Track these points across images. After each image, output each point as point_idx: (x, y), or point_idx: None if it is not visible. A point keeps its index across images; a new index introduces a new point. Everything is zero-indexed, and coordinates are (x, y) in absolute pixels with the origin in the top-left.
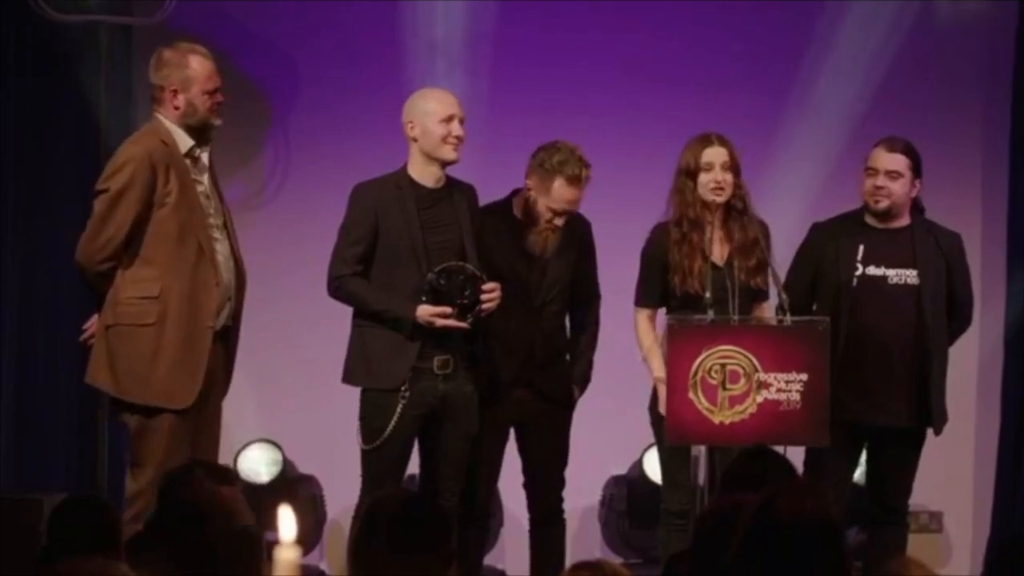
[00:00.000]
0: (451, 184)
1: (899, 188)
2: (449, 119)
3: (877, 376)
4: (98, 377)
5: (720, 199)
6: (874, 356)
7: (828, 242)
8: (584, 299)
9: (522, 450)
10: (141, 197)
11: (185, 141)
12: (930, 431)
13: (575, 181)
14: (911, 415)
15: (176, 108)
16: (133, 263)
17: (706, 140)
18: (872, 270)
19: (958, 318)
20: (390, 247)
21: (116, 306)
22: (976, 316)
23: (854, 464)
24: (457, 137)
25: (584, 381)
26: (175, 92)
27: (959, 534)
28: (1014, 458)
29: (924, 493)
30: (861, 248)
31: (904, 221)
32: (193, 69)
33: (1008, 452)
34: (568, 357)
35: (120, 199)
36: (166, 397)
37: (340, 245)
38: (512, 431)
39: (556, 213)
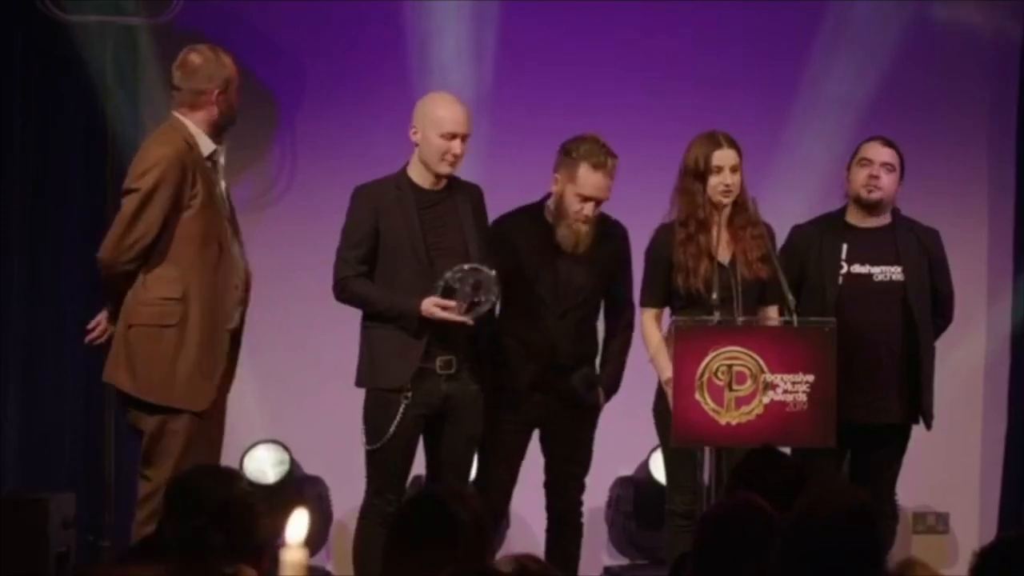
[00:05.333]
0: (452, 185)
1: (891, 182)
2: (452, 136)
3: (866, 375)
4: (117, 377)
5: (729, 200)
6: (863, 354)
7: (811, 243)
8: (617, 307)
9: (544, 451)
10: (171, 197)
11: (207, 144)
12: (917, 428)
13: (600, 167)
14: (901, 412)
15: (219, 110)
16: (157, 263)
17: (715, 141)
18: (857, 268)
19: (941, 315)
20: (392, 248)
21: (138, 306)
22: (982, 316)
23: (840, 463)
24: (455, 155)
25: (611, 387)
26: (219, 93)
27: (965, 535)
28: (1021, 459)
29: (930, 494)
30: (844, 247)
31: (885, 219)
32: (230, 69)
33: (1015, 453)
34: (598, 362)
35: (150, 199)
36: (186, 399)
37: (342, 248)
38: (536, 432)
39: (584, 199)
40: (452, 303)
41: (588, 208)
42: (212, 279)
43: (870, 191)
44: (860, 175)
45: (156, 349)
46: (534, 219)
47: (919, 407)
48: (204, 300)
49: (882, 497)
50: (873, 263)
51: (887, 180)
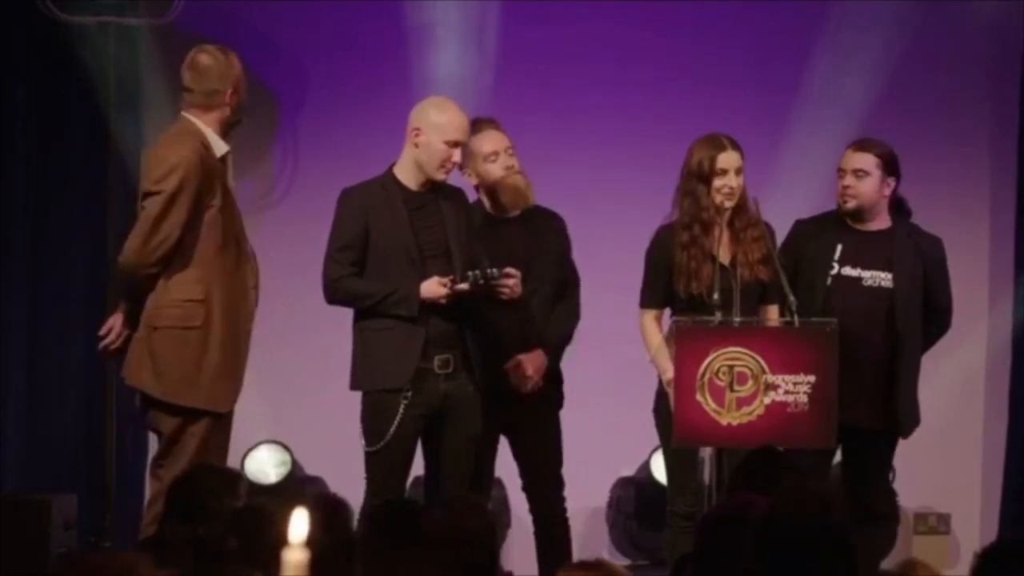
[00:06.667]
0: (437, 187)
1: (867, 187)
2: (455, 144)
3: (847, 377)
4: (141, 379)
5: (732, 203)
6: (844, 357)
7: (808, 240)
8: (564, 291)
9: (516, 456)
10: (193, 199)
11: (220, 145)
12: (919, 429)
13: (480, 128)
14: (878, 418)
15: (230, 109)
16: (179, 265)
17: (719, 144)
18: (848, 270)
19: (936, 324)
20: (383, 249)
21: (162, 308)
22: (984, 317)
23: (829, 463)
24: (454, 163)
25: (553, 344)
26: (230, 94)
27: (967, 536)
28: (1022, 460)
29: (932, 495)
30: (839, 248)
31: (884, 223)
32: (237, 69)
33: (1016, 454)
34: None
35: (174, 201)
36: (210, 400)
37: (332, 249)
38: (505, 437)
39: (491, 157)
40: (447, 280)
41: (503, 159)
42: (232, 280)
43: (845, 200)
44: (838, 186)
45: (181, 351)
46: (479, 216)
47: (896, 415)
48: (225, 301)
49: (873, 499)
50: (864, 267)
51: (861, 186)
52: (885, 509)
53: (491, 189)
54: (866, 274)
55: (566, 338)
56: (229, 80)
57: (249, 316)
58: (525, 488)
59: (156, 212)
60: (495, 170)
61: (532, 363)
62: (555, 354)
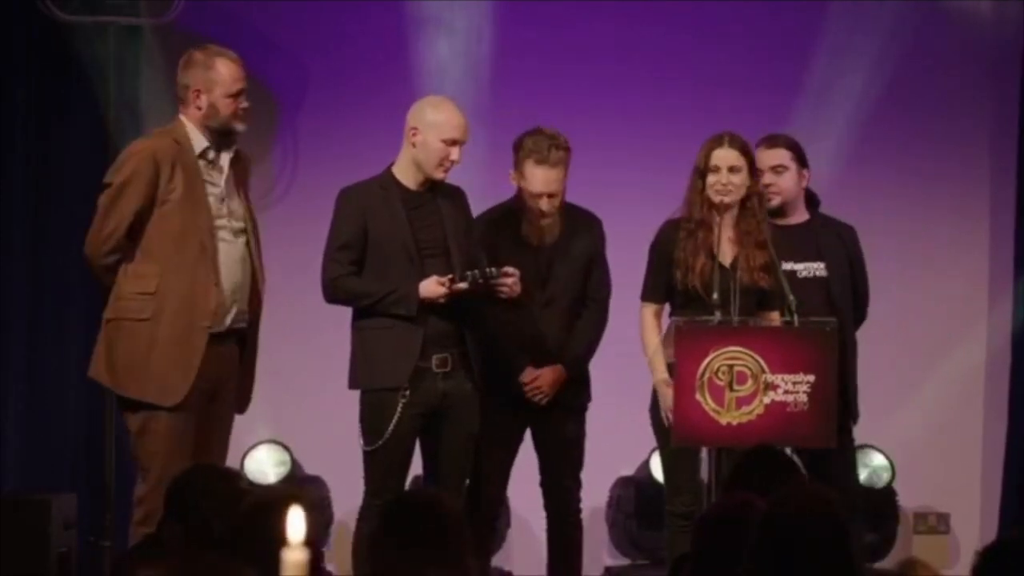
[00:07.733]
0: (436, 186)
1: (787, 182)
2: (453, 143)
3: None
4: (97, 371)
5: (725, 200)
6: None
7: None
8: (593, 296)
9: (538, 450)
10: (142, 192)
11: (200, 141)
12: (922, 427)
13: (542, 162)
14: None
15: (198, 109)
16: (134, 258)
17: (718, 141)
18: (781, 265)
19: (859, 310)
20: (382, 249)
21: (116, 300)
22: (984, 316)
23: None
24: (452, 161)
25: (575, 362)
26: (198, 93)
27: (966, 536)
28: (1022, 459)
29: (931, 495)
30: None
31: (803, 216)
32: (218, 72)
33: (1016, 454)
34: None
35: (121, 193)
36: (157, 393)
37: (331, 249)
38: (529, 431)
39: (535, 196)
40: (446, 280)
41: (543, 203)
42: (189, 275)
43: (769, 199)
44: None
45: (131, 343)
46: (508, 214)
47: (847, 404)
48: (179, 296)
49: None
50: (796, 260)
51: (782, 182)
52: (861, 508)
53: (523, 205)
54: (799, 266)
55: (592, 346)
56: (200, 80)
57: (206, 312)
58: (543, 484)
59: (105, 204)
60: (535, 205)
61: (546, 378)
62: (581, 362)
